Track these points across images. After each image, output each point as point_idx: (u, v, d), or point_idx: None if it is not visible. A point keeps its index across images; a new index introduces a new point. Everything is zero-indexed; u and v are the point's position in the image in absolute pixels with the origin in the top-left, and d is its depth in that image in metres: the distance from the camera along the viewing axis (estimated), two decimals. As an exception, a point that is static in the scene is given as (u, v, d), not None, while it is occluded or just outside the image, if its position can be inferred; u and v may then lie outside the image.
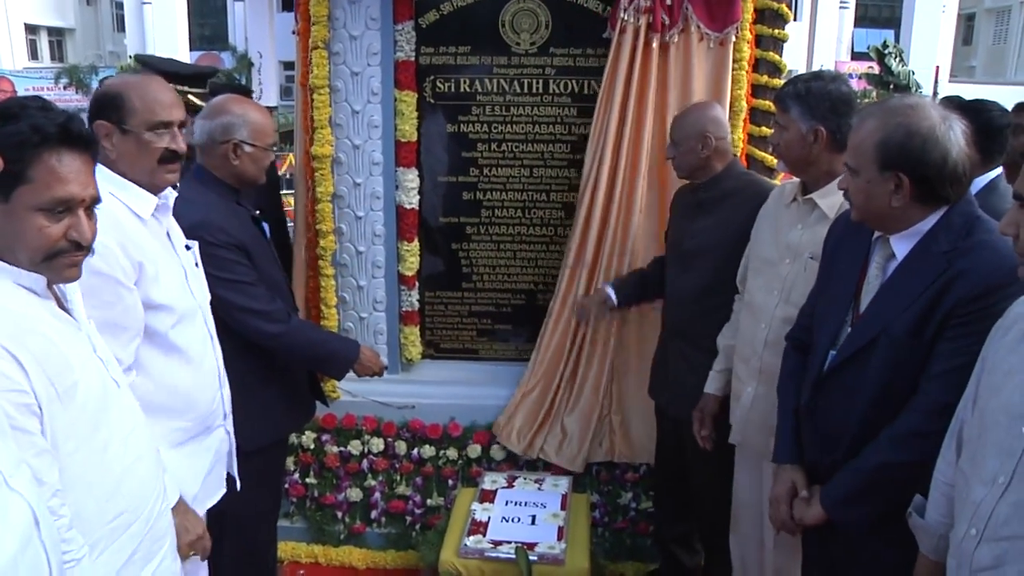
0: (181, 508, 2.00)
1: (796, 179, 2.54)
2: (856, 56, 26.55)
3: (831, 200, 2.32)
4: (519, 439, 3.36)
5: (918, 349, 1.82)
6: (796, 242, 2.41)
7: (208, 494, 2.24)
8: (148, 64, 3.48)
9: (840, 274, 2.04)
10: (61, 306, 1.62)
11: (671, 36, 3.10)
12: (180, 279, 2.12)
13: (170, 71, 3.26)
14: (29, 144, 1.46)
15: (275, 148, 2.66)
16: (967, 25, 35.67)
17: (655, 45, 3.10)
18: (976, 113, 2.76)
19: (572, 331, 3.33)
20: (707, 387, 2.75)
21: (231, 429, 2.32)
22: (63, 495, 1.47)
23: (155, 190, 2.08)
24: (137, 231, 1.99)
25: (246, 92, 3.53)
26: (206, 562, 2.19)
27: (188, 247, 2.21)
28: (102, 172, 1.95)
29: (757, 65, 3.27)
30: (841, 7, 26.84)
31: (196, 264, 2.22)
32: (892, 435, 1.85)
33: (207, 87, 3.50)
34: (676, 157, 2.87)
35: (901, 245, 1.89)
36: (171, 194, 2.16)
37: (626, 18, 3.07)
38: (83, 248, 1.56)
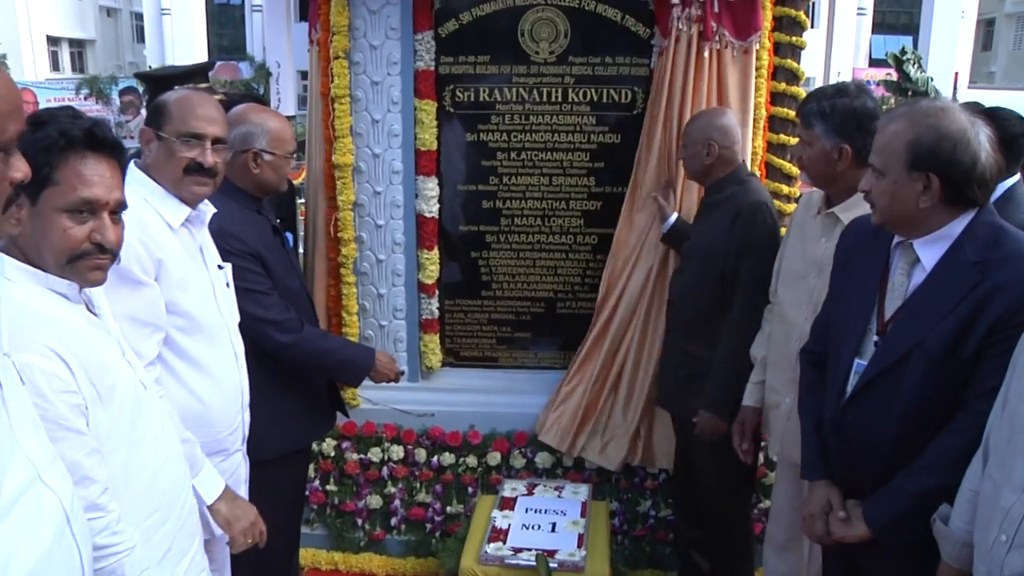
0: (229, 496, 2.02)
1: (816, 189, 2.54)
2: (874, 63, 26.45)
3: (852, 214, 2.31)
4: (562, 439, 3.35)
5: (957, 365, 1.78)
6: (820, 256, 2.41)
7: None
8: (144, 77, 3.57)
9: (858, 281, 2.02)
10: (89, 310, 1.65)
11: (715, 45, 3.12)
12: (208, 294, 2.13)
13: (166, 75, 3.33)
14: (56, 147, 1.52)
15: (295, 156, 2.67)
16: (986, 31, 35.44)
17: (705, 54, 3.12)
18: (991, 120, 2.77)
19: (616, 334, 3.32)
20: (745, 399, 2.74)
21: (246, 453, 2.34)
22: (110, 493, 1.51)
23: (188, 202, 2.10)
24: (162, 234, 2.01)
25: (261, 102, 3.62)
26: (229, 562, 2.21)
27: (221, 267, 2.22)
28: (139, 177, 2.00)
29: (775, 72, 3.29)
30: (859, 14, 26.77)
31: (228, 284, 2.23)
32: (943, 457, 1.79)
33: (207, 79, 3.56)
34: (684, 159, 2.95)
35: (927, 251, 1.86)
36: (209, 209, 2.17)
37: (681, 27, 3.09)
38: (107, 251, 1.60)
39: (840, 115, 2.31)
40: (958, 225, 1.83)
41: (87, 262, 1.57)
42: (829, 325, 2.13)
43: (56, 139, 1.51)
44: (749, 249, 2.72)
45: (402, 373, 2.99)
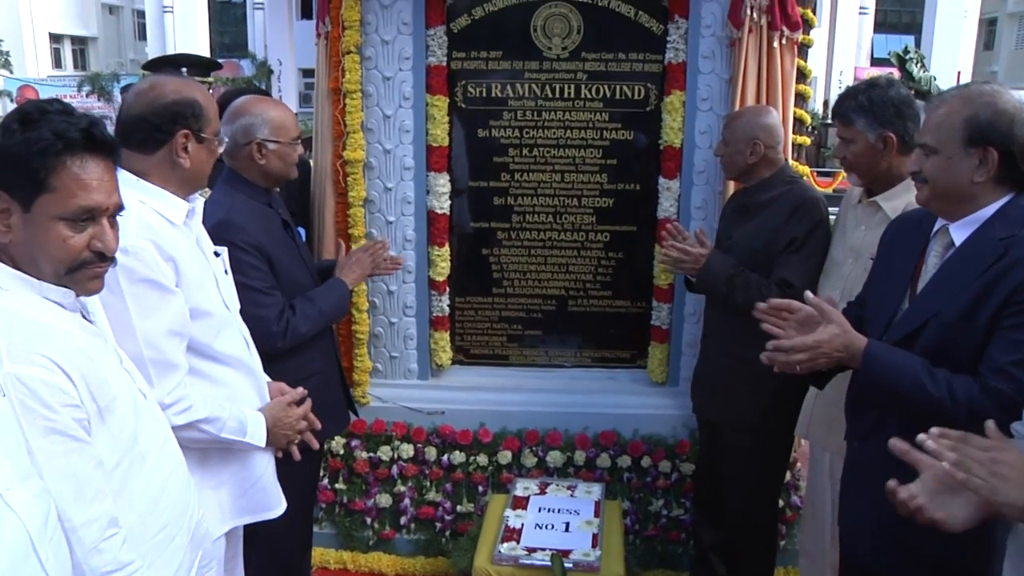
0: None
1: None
2: (876, 62, 26.48)
3: (895, 203, 2.35)
4: None
5: (968, 332, 1.79)
6: (859, 243, 2.47)
7: (260, 507, 2.20)
8: (151, 66, 3.62)
9: (896, 266, 2.03)
10: (85, 318, 1.59)
11: (783, 36, 3.11)
12: (213, 287, 2.09)
13: (171, 59, 3.40)
14: (52, 151, 1.40)
15: (299, 141, 2.63)
16: (989, 30, 35.44)
17: (776, 45, 3.11)
18: None
19: None
20: None
21: None
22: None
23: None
24: (168, 233, 1.94)
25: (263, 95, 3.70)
26: (241, 557, 2.19)
27: (217, 254, 2.18)
28: (127, 179, 1.90)
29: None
30: (861, 13, 26.76)
31: (225, 271, 2.19)
32: (958, 392, 1.76)
33: (208, 75, 3.61)
34: (724, 156, 2.87)
35: (960, 232, 1.88)
36: (200, 200, 2.12)
37: (756, 18, 3.07)
38: (107, 259, 1.51)
39: (878, 106, 2.38)
40: (993, 207, 1.85)
41: (87, 271, 1.49)
42: (863, 306, 2.15)
43: (52, 142, 1.40)
44: (805, 241, 2.67)
45: (383, 252, 2.93)
